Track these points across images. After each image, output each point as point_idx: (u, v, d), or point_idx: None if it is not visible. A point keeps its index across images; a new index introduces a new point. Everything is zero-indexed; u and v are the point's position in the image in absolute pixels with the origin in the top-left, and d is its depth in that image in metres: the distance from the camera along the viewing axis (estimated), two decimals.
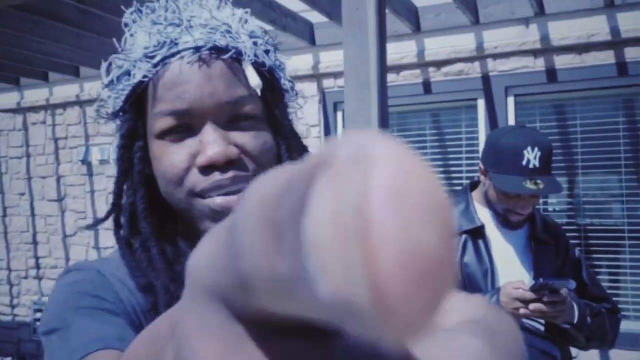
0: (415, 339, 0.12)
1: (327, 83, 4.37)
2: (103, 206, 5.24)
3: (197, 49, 0.66)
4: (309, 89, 4.42)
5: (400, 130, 4.17)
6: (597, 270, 3.54)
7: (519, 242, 1.85)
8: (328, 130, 4.36)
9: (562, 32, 3.64)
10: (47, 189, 5.61)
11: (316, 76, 4.38)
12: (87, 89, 5.29)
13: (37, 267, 5.68)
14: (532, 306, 1.61)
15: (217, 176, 0.66)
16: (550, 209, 3.84)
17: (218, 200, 0.66)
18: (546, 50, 3.71)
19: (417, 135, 4.17)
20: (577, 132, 3.73)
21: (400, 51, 3.99)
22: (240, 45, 0.68)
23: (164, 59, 0.67)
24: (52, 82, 5.43)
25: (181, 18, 0.67)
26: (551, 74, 3.71)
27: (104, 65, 0.73)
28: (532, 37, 3.73)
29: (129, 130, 0.71)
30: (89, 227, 0.81)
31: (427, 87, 4.06)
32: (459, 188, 4.01)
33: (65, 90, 5.43)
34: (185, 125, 0.67)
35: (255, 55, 0.69)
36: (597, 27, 3.53)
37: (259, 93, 0.68)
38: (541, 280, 1.60)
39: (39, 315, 5.65)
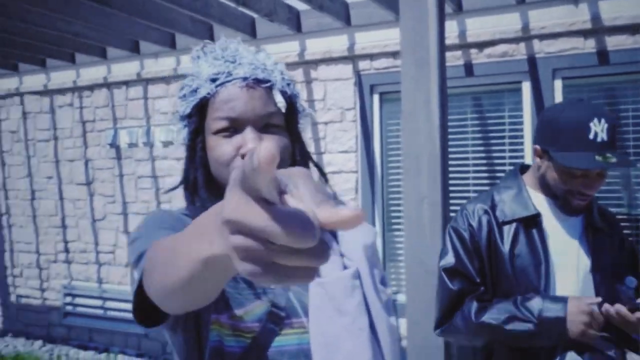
0: (266, 184, 0.42)
1: (363, 65, 4.21)
2: (132, 190, 5.17)
3: (245, 79, 1.02)
4: (343, 71, 4.27)
5: None
6: None
7: (575, 232, 1.69)
8: (364, 114, 4.21)
9: (613, 10, 3.45)
10: (74, 172, 5.55)
11: (351, 57, 4.23)
12: (115, 70, 5.20)
13: (66, 250, 5.64)
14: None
15: None
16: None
17: None
18: (597, 30, 3.52)
19: (457, 120, 4.00)
20: (629, 117, 3.55)
21: None
22: (272, 78, 1.04)
23: (223, 83, 1.02)
24: (79, 63, 5.35)
25: (235, 58, 1.05)
26: (602, 55, 3.53)
27: (179, 84, 1.10)
28: (581, 17, 3.54)
29: (195, 128, 1.05)
30: (168, 190, 1.17)
31: (468, 69, 3.89)
32: (502, 175, 3.87)
33: (92, 72, 5.34)
34: (234, 127, 1.02)
35: (282, 86, 1.06)
36: None
37: (283, 110, 1.06)
38: None
39: (68, 299, 5.63)
